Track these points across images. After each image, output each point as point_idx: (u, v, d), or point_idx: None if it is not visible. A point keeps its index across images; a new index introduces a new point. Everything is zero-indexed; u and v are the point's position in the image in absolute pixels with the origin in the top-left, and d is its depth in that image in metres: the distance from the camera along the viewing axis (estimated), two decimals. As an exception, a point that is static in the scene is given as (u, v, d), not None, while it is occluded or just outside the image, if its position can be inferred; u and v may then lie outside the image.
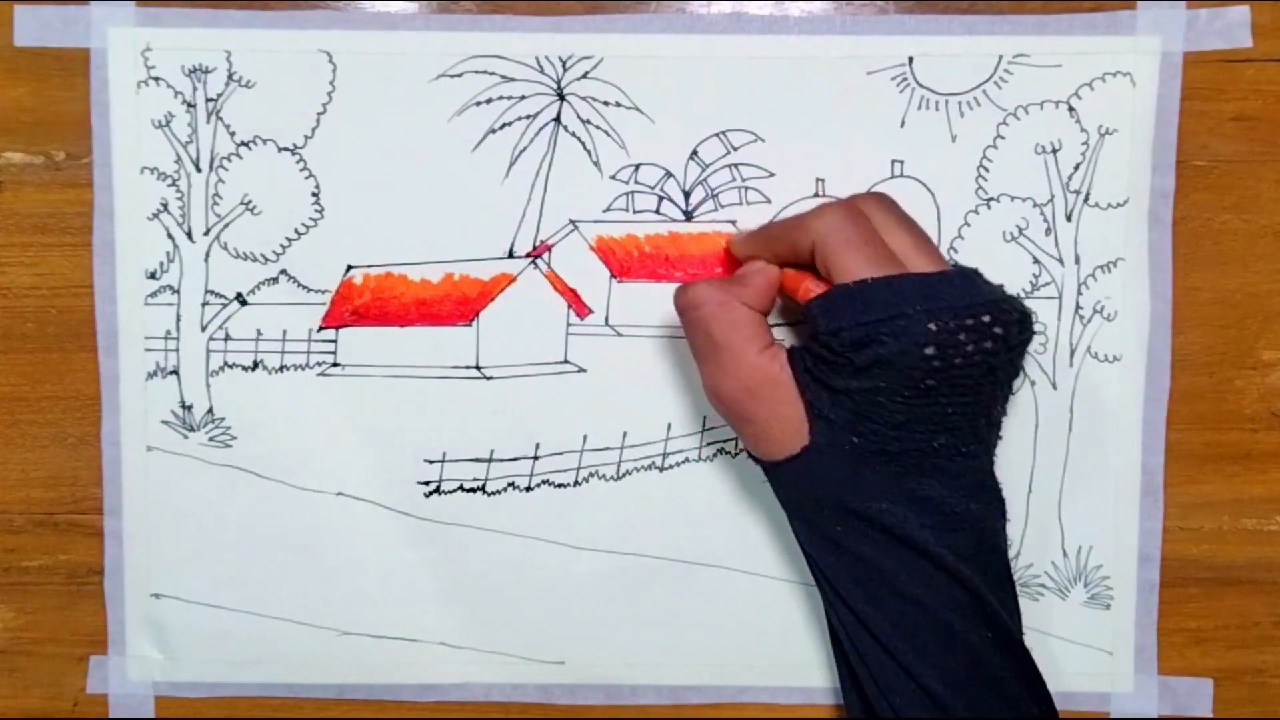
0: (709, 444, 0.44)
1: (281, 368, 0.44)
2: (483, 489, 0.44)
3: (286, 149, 0.43)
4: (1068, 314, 0.43)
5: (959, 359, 0.34)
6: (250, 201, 0.43)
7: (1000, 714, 0.36)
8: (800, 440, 0.36)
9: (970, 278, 0.36)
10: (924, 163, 0.43)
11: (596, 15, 0.43)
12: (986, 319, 0.34)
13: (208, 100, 0.43)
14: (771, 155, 0.43)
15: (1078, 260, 0.43)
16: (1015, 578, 0.44)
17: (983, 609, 0.36)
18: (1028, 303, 0.43)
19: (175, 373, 0.44)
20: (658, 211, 0.43)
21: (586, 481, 0.44)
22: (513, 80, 0.43)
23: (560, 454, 0.44)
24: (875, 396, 0.34)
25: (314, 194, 0.43)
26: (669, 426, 0.44)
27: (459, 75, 0.43)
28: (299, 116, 0.43)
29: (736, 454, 0.44)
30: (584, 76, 0.43)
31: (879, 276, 0.34)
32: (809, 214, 0.37)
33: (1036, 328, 0.43)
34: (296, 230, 0.43)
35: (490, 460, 0.44)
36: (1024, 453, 0.44)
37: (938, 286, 0.34)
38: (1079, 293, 0.43)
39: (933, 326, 0.33)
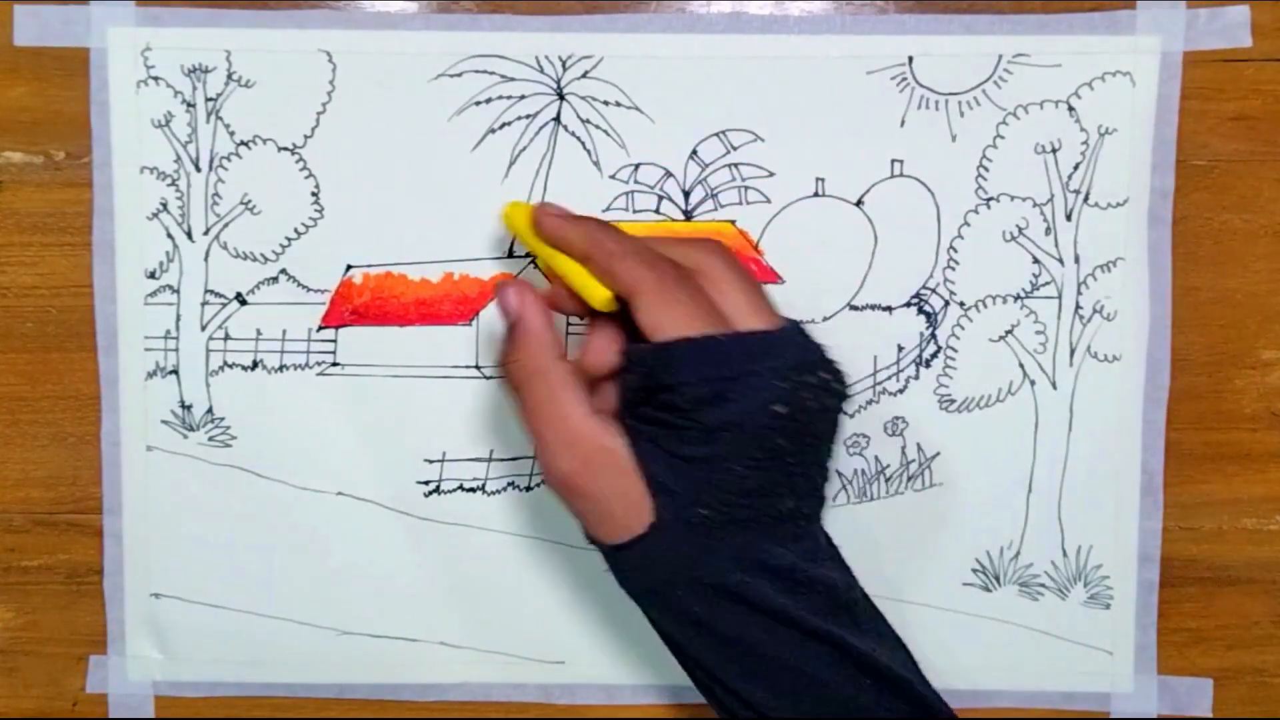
0: (709, 444, 0.44)
1: (281, 367, 0.44)
2: (483, 489, 0.44)
3: (286, 149, 0.43)
4: (1068, 314, 0.43)
5: (804, 416, 0.33)
6: (250, 201, 0.43)
7: None
8: (644, 518, 0.33)
9: (805, 333, 0.34)
10: (924, 162, 0.43)
11: (596, 15, 0.43)
12: (825, 375, 0.33)
13: (207, 100, 0.43)
14: (771, 155, 0.43)
15: (1077, 260, 0.43)
16: (1015, 577, 0.44)
17: (856, 661, 0.34)
18: (1028, 302, 0.43)
19: (175, 372, 0.44)
20: (657, 211, 0.43)
21: (586, 481, 0.44)
22: (512, 80, 0.43)
23: (560, 454, 0.44)
24: (725, 463, 0.32)
25: (314, 194, 0.43)
26: (669, 426, 0.44)
27: (459, 75, 0.43)
28: (299, 116, 0.43)
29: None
30: (584, 76, 0.43)
31: (726, 332, 0.33)
32: (631, 259, 0.34)
33: (1036, 327, 0.43)
34: (296, 230, 0.43)
35: (490, 460, 0.44)
36: (1024, 453, 0.44)
37: (780, 344, 0.33)
38: (1079, 292, 0.43)
39: (782, 384, 0.32)
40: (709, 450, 0.32)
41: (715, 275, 0.34)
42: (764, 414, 0.32)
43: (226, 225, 0.43)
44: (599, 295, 0.35)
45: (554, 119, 0.43)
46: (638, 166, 0.43)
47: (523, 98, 0.43)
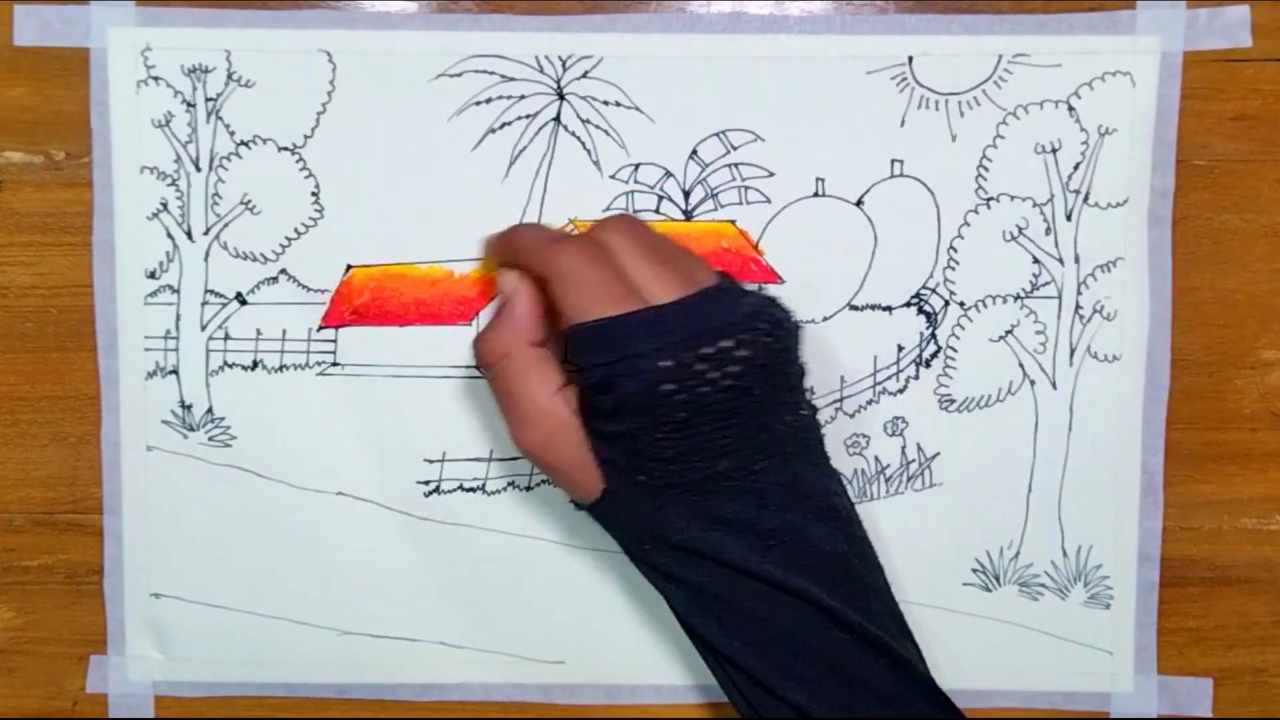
0: (709, 444, 0.44)
1: (281, 367, 0.44)
2: (483, 489, 0.44)
3: (286, 148, 0.43)
4: (1067, 314, 0.43)
5: (705, 388, 0.33)
6: (250, 201, 0.43)
7: (870, 713, 0.35)
8: (598, 485, 0.36)
9: (713, 299, 0.34)
10: (924, 162, 0.43)
11: (596, 15, 0.43)
12: (728, 343, 0.33)
13: (207, 100, 0.43)
14: (771, 155, 0.43)
15: (1077, 260, 0.43)
16: (1015, 577, 0.44)
17: (828, 616, 0.35)
18: (1028, 302, 0.43)
19: (175, 372, 0.44)
20: (658, 211, 0.43)
21: (586, 481, 0.44)
22: (512, 80, 0.43)
23: (560, 454, 0.44)
24: (638, 435, 0.34)
25: (314, 193, 0.43)
26: (669, 426, 0.44)
27: (459, 75, 0.43)
28: (299, 116, 0.43)
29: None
30: (584, 76, 0.43)
31: (611, 315, 0.33)
32: (547, 248, 0.35)
33: (1036, 327, 0.43)
34: (296, 230, 0.43)
35: (490, 460, 0.44)
36: (1024, 452, 0.44)
37: (671, 319, 0.33)
38: (1079, 292, 0.43)
39: (667, 363, 0.33)
40: (620, 426, 0.34)
41: (619, 248, 0.35)
42: (653, 395, 0.33)
43: (226, 225, 0.43)
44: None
45: (554, 119, 0.43)
46: (638, 166, 0.43)
47: (523, 98, 0.43)
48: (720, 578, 0.35)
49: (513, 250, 0.37)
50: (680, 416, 0.33)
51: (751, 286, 0.40)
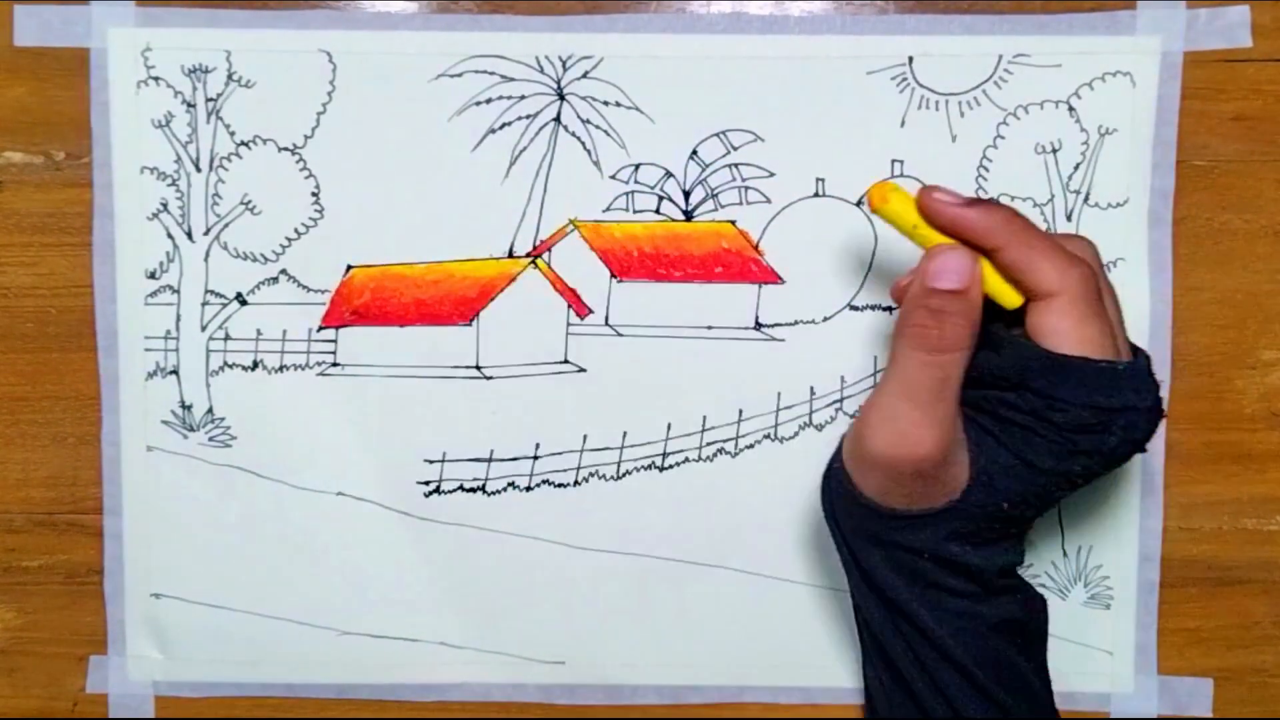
0: (709, 444, 0.44)
1: (281, 367, 0.44)
2: (483, 489, 0.44)
3: (286, 149, 0.43)
4: (1068, 314, 0.43)
5: (1141, 449, 0.34)
6: (250, 201, 0.43)
7: None
8: (947, 498, 0.34)
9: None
10: (924, 162, 0.43)
11: (596, 15, 0.43)
12: (1160, 413, 0.34)
13: (207, 100, 0.43)
14: (771, 155, 0.43)
15: (1078, 260, 0.43)
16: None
17: (1030, 660, 0.37)
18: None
19: (175, 372, 0.44)
20: (658, 211, 0.43)
21: (586, 481, 0.44)
22: (513, 80, 0.43)
23: (560, 454, 0.44)
24: (1070, 478, 0.34)
25: (314, 194, 0.43)
26: (669, 426, 0.44)
27: (459, 75, 0.43)
28: (299, 116, 0.43)
29: (737, 454, 0.44)
30: (584, 76, 0.43)
31: (1118, 361, 0.32)
32: (1056, 257, 0.32)
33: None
34: (296, 230, 0.43)
35: (490, 460, 0.44)
36: (1024, 452, 0.44)
37: (1146, 378, 0.33)
38: (1079, 292, 0.43)
39: (1149, 423, 0.33)
40: (1064, 466, 0.33)
41: (1102, 291, 0.34)
42: (1130, 447, 0.33)
43: (227, 225, 0.43)
44: (1010, 297, 0.34)
45: (554, 119, 0.43)
46: (638, 166, 0.43)
47: (523, 98, 0.43)
48: (960, 592, 0.36)
49: (1017, 245, 0.33)
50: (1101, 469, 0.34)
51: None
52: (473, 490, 0.44)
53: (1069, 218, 0.43)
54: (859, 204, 0.43)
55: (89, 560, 0.45)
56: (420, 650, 0.45)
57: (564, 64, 0.43)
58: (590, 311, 0.44)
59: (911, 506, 0.34)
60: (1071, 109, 0.43)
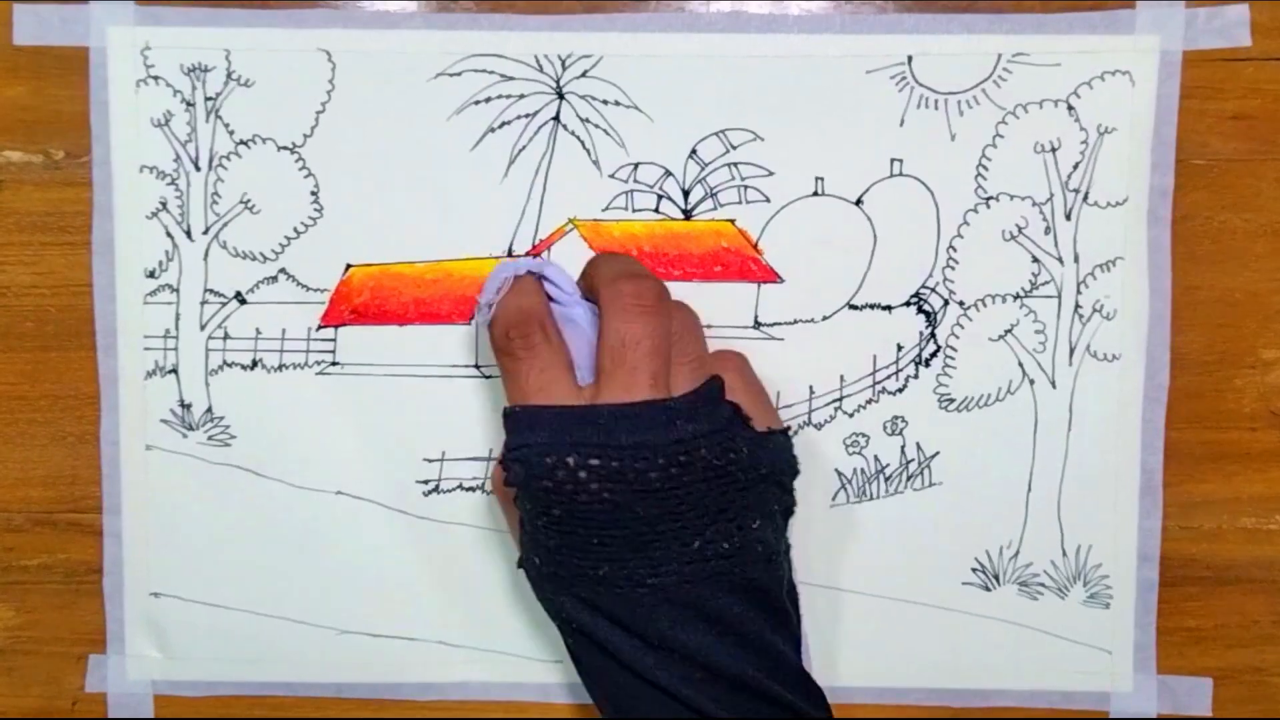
0: (708, 443, 0.44)
1: (280, 367, 0.44)
2: (483, 488, 0.44)
3: (285, 148, 0.43)
4: (1067, 313, 0.43)
5: (582, 495, 0.34)
6: (249, 200, 0.43)
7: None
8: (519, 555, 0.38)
9: (655, 412, 0.34)
10: (923, 161, 0.43)
11: (596, 14, 0.43)
12: (615, 464, 0.33)
13: (207, 99, 0.43)
14: (771, 154, 0.43)
15: (1077, 259, 0.43)
16: (1015, 577, 0.44)
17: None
18: (1028, 302, 0.43)
19: (174, 371, 0.44)
20: (657, 210, 0.43)
21: (586, 480, 0.44)
22: (512, 79, 0.43)
23: (559, 453, 0.44)
24: (531, 519, 0.35)
25: (313, 193, 0.43)
26: (668, 425, 0.44)
27: (458, 74, 0.43)
28: (298, 115, 0.43)
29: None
30: (583, 75, 0.43)
31: (526, 405, 0.35)
32: (623, 309, 0.35)
33: (1035, 326, 0.43)
34: (295, 229, 0.43)
35: (490, 459, 0.44)
36: (1024, 452, 0.44)
37: (581, 424, 0.34)
38: (1078, 292, 0.43)
39: (548, 460, 0.34)
40: (521, 507, 0.36)
41: (678, 330, 0.36)
42: (534, 486, 0.34)
43: (226, 224, 0.43)
44: None
45: (553, 118, 0.43)
46: (637, 166, 0.43)
47: (522, 97, 0.43)
48: (614, 669, 0.36)
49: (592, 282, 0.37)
50: (555, 514, 0.34)
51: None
52: (473, 490, 0.44)
53: (1068, 217, 0.43)
54: (858, 203, 0.43)
55: (88, 559, 0.45)
56: (420, 650, 0.45)
57: (563, 63, 0.43)
58: (589, 311, 0.44)
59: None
60: (1071, 108, 0.43)
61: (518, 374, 0.35)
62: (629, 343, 0.35)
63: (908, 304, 0.43)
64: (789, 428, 0.40)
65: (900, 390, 0.44)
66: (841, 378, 0.44)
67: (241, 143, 0.43)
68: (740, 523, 0.35)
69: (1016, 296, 0.43)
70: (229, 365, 0.44)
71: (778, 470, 0.37)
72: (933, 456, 0.44)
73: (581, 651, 0.37)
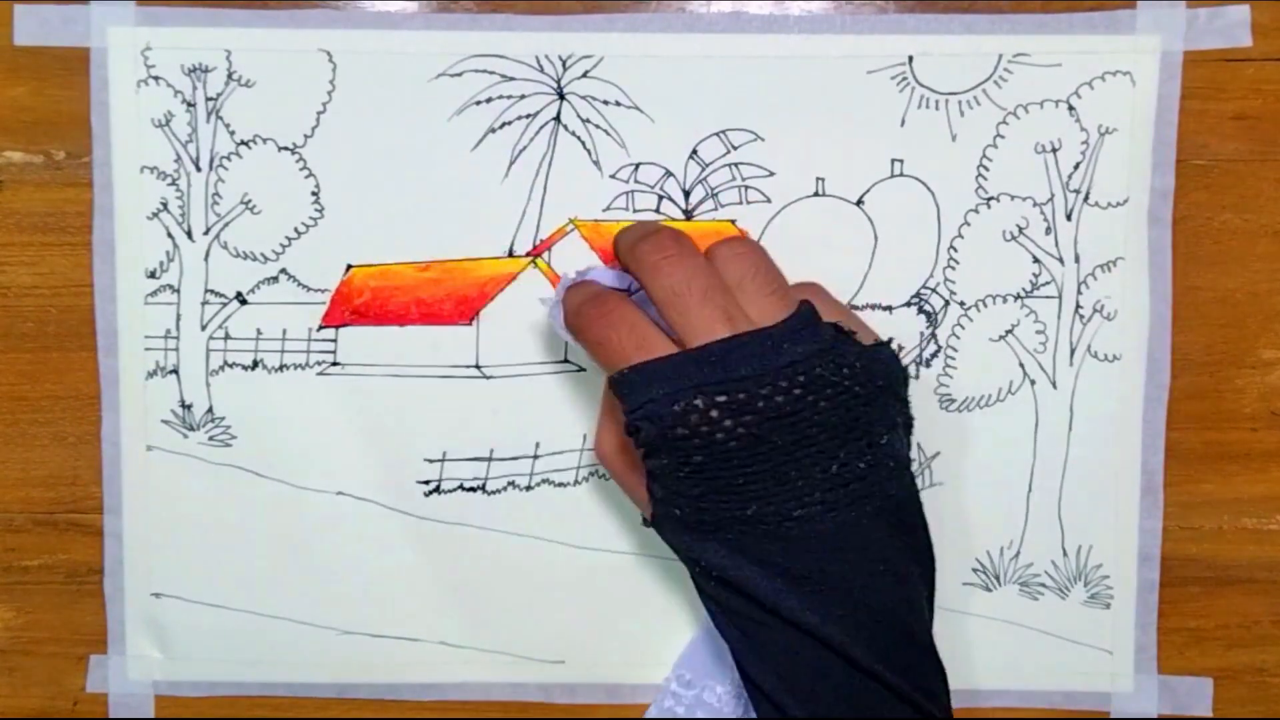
0: (709, 443, 0.44)
1: (281, 367, 0.44)
2: (483, 488, 0.44)
3: (286, 148, 0.43)
4: (1067, 313, 0.43)
5: (719, 434, 0.33)
6: (250, 201, 0.43)
7: None
8: (649, 508, 0.37)
9: (759, 341, 0.34)
10: (924, 162, 0.43)
11: (596, 14, 0.43)
12: (742, 395, 0.33)
13: (207, 99, 0.43)
14: (771, 154, 0.43)
15: (1077, 259, 0.43)
16: (1016, 577, 0.44)
17: (859, 669, 0.35)
18: (1028, 302, 0.43)
19: (175, 372, 0.44)
20: (658, 210, 0.43)
21: (586, 481, 0.44)
22: (512, 79, 0.43)
23: (560, 453, 0.44)
24: (669, 473, 0.34)
25: (314, 193, 0.43)
26: (669, 426, 0.44)
27: (459, 74, 0.43)
28: (299, 116, 0.43)
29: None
30: (584, 76, 0.43)
31: (632, 365, 0.34)
32: (651, 267, 0.35)
33: (1036, 327, 0.43)
34: (296, 229, 0.43)
35: (490, 460, 0.44)
36: (1024, 452, 0.44)
37: (697, 364, 0.33)
38: (1079, 292, 0.43)
39: (676, 409, 0.33)
40: (653, 464, 0.35)
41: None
42: (668, 437, 0.33)
43: (227, 225, 0.43)
44: None
45: (554, 118, 0.43)
46: (638, 166, 0.43)
47: (523, 97, 0.43)
48: (757, 612, 0.35)
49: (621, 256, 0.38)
50: (696, 460, 0.34)
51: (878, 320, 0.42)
52: (473, 490, 0.44)
53: (1069, 217, 0.43)
54: (859, 203, 0.43)
55: (89, 559, 0.45)
56: (420, 650, 0.45)
57: (564, 63, 0.43)
58: (590, 311, 0.44)
59: (646, 514, 0.38)
60: (1071, 108, 0.43)
61: (609, 342, 0.35)
62: (679, 290, 0.35)
63: (908, 304, 0.43)
64: (891, 339, 0.42)
65: (901, 390, 0.44)
66: (842, 378, 0.44)
67: (242, 143, 0.43)
68: (870, 439, 0.35)
69: (1017, 297, 0.43)
70: (230, 365, 0.44)
71: (893, 380, 0.36)
72: (933, 457, 0.44)
73: (722, 599, 0.36)
